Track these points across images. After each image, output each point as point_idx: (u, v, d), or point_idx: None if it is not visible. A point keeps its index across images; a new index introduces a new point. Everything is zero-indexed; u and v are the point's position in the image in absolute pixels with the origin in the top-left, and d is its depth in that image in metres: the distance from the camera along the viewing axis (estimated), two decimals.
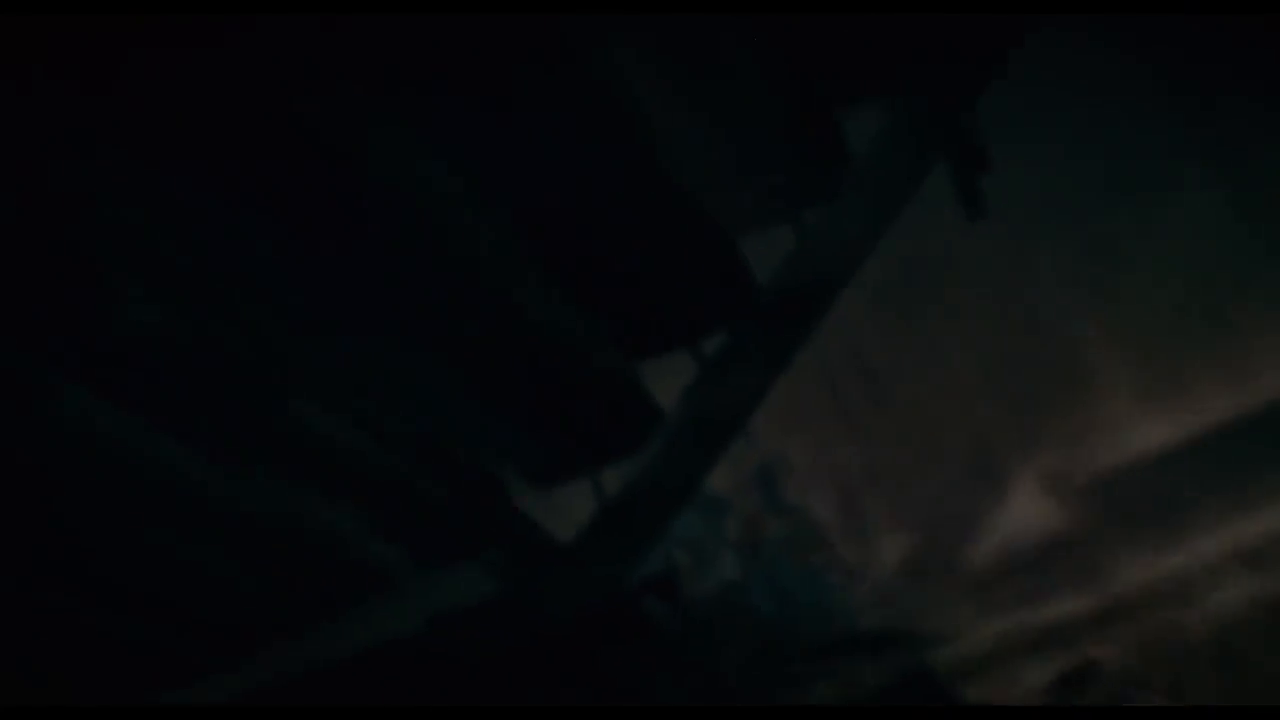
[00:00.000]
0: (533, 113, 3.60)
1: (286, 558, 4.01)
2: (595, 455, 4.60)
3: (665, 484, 4.29)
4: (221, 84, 3.03)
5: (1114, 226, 6.10)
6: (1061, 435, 6.48)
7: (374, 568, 4.16)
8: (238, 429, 3.44)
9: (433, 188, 3.39)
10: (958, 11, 4.59)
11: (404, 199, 3.41)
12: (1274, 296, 6.25)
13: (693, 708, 4.49)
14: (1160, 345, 6.41)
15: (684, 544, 6.38)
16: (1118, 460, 6.42)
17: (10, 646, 4.27)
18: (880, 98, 4.74)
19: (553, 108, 3.63)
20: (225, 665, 4.50)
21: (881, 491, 6.53)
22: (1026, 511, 6.43)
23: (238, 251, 3.16)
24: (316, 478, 3.76)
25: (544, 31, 3.51)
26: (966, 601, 6.29)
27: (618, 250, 4.21)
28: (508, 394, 4.16)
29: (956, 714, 5.50)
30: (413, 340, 3.76)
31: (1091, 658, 5.73)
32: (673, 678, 4.79)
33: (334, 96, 3.17)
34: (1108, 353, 6.44)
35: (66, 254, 2.85)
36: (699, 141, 4.46)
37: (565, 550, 4.22)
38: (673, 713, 4.49)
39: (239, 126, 3.10)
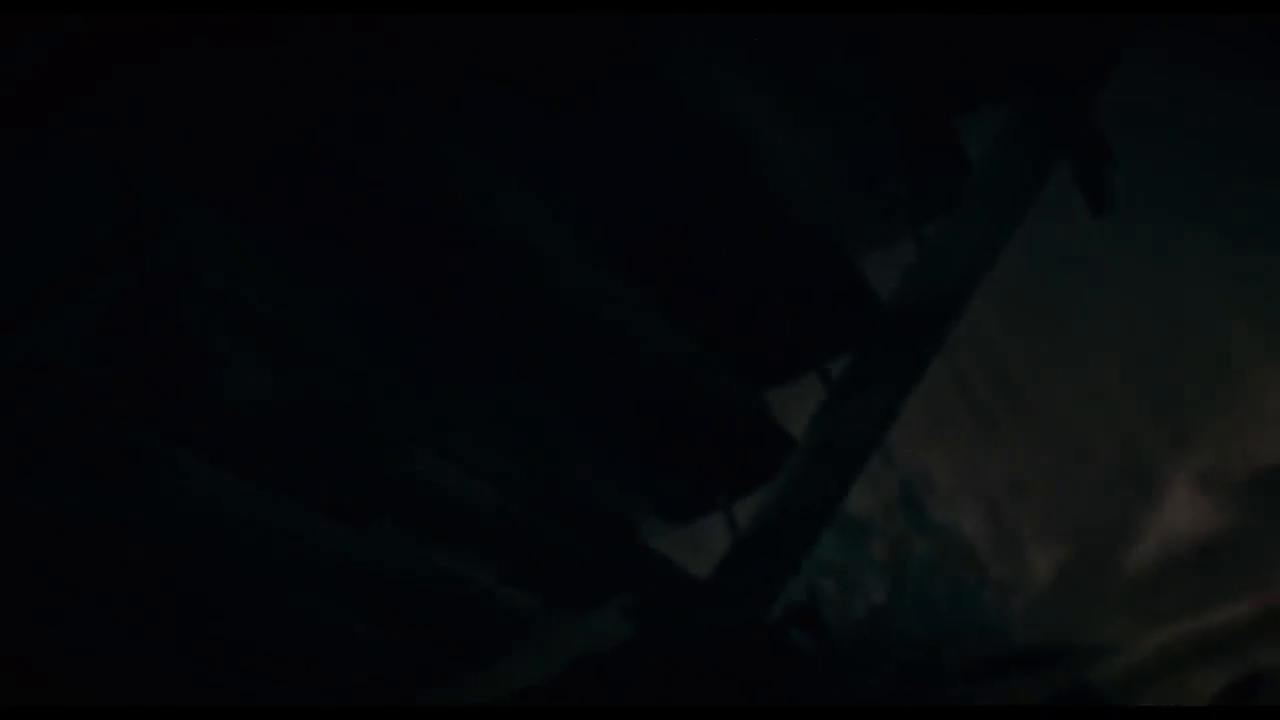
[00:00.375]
0: (631, 140, 3.54)
1: (421, 611, 3.98)
2: (726, 488, 4.51)
3: (799, 513, 4.18)
4: (314, 144, 3.01)
5: (1252, 212, 5.86)
6: (1215, 432, 6.24)
7: (509, 616, 4.11)
8: (359, 488, 3.41)
9: (533, 226, 3.33)
10: (1071, 5, 4.44)
11: (507, 240, 3.36)
12: None
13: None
14: None
15: (829, 569, 6.24)
16: (1277, 454, 6.16)
17: (158, 712, 4.29)
18: (996, 99, 4.60)
19: (652, 135, 3.56)
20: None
21: (1029, 502, 6.34)
22: (1183, 514, 6.19)
23: (345, 311, 3.13)
24: (443, 531, 3.71)
25: (641, 62, 3.45)
26: (1125, 611, 6.07)
27: (733, 277, 4.13)
28: (631, 432, 4.08)
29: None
30: (529, 386, 3.70)
31: (1261, 664, 5.49)
32: (819, 708, 4.67)
33: (426, 141, 3.13)
34: (1258, 342, 6.19)
35: (170, 326, 2.84)
36: (811, 158, 4.36)
37: (701, 587, 4.13)
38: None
39: (336, 187, 3.08)
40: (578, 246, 3.54)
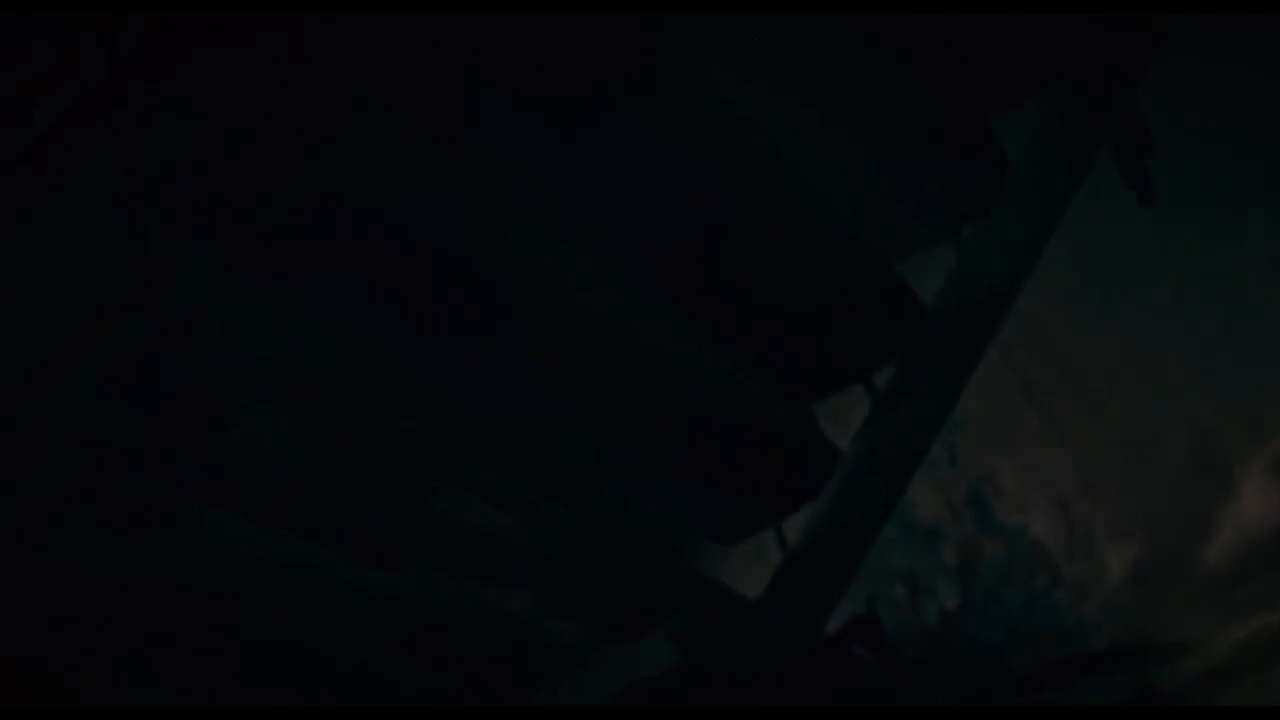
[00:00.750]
0: (647, 159, 3.48)
1: (464, 647, 3.93)
2: (774, 506, 4.43)
3: (848, 528, 4.10)
4: (319, 189, 2.98)
5: None
6: None
7: (554, 647, 4.06)
8: (389, 529, 3.38)
9: (552, 254, 3.28)
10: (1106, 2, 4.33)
11: (525, 270, 3.31)
12: None
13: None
14: None
15: (900, 577, 6.14)
16: None
17: None
18: (1032, 96, 4.50)
19: (669, 152, 3.50)
20: None
21: (1100, 500, 6.19)
22: (1260, 503, 6.02)
23: (362, 354, 3.09)
24: (479, 567, 3.66)
25: (651, 77, 3.39)
26: (1203, 607, 5.91)
27: (767, 291, 4.05)
28: (670, 456, 4.01)
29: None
30: (558, 417, 3.65)
31: None
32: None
33: (440, 178, 3.10)
34: None
35: (178, 380, 2.82)
36: (841, 165, 4.29)
37: (752, 608, 4.05)
38: None
39: (342, 233, 3.05)
40: (599, 271, 3.49)
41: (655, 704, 3.95)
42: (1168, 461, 6.21)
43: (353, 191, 3.04)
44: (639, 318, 3.65)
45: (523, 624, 3.92)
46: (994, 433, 6.40)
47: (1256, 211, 5.83)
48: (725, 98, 3.56)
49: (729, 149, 3.63)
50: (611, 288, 3.52)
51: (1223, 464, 6.14)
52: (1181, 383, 6.17)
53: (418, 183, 3.06)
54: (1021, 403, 6.38)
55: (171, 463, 2.88)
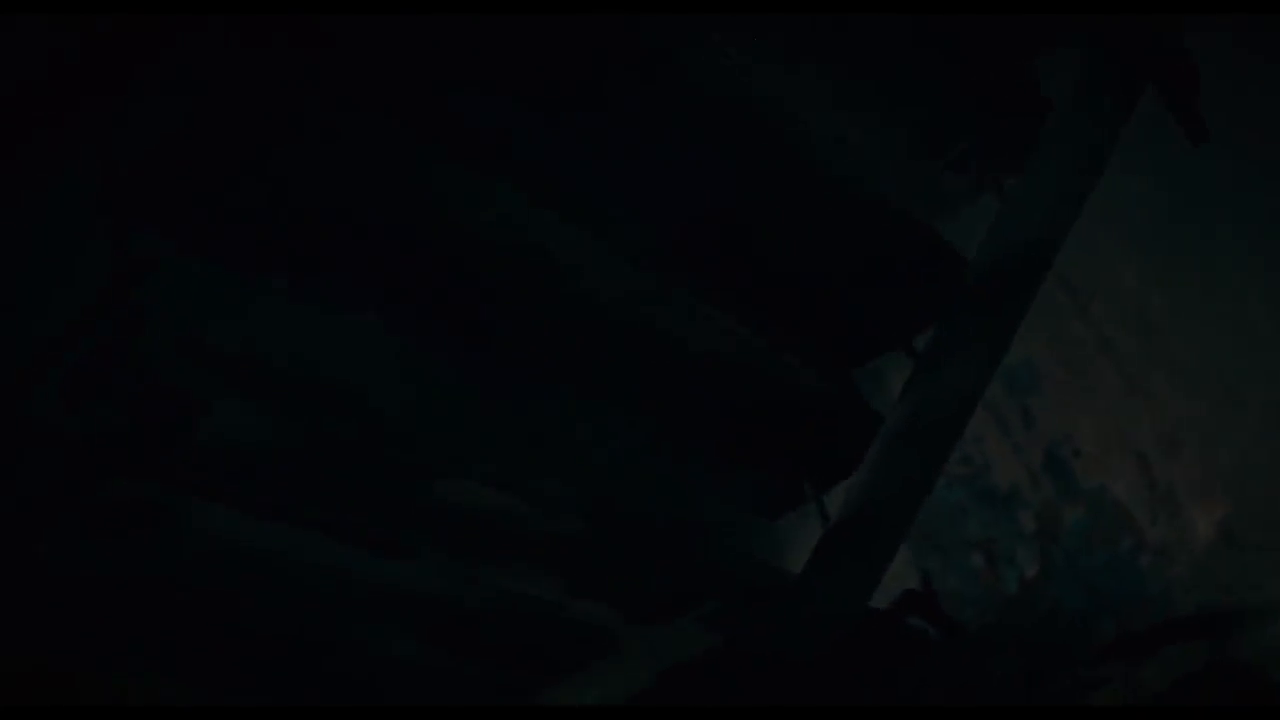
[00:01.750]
0: (650, 134, 3.33)
1: (489, 633, 3.83)
2: (815, 478, 4.27)
3: (890, 499, 3.93)
4: (292, 176, 2.87)
5: None
6: None
7: (584, 631, 3.94)
8: (387, 517, 3.28)
9: (545, 230, 3.15)
10: None
11: (520, 248, 3.18)
12: None
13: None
14: None
15: (976, 545, 5.93)
16: None
17: None
18: (1070, 36, 4.29)
19: (672, 125, 3.35)
20: None
21: (1184, 457, 5.94)
22: None
23: (338, 342, 2.99)
24: (497, 552, 3.55)
25: (652, 49, 3.25)
26: None
27: (798, 264, 3.89)
28: (698, 434, 3.87)
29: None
30: (577, 403, 3.52)
31: None
32: (942, 695, 4.40)
33: (420, 159, 2.98)
34: None
35: (153, 374, 2.73)
36: (869, 123, 4.11)
37: (791, 586, 3.90)
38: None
39: (311, 217, 2.94)
40: (611, 251, 3.34)
41: (690, 690, 3.81)
42: (1252, 413, 5.92)
43: (325, 182, 2.93)
44: (658, 297, 3.51)
45: (549, 608, 3.80)
46: (1070, 391, 6.15)
47: None
48: (735, 69, 3.40)
49: (739, 117, 3.47)
50: (625, 267, 3.38)
51: None
52: (1265, 330, 5.87)
53: (395, 170, 2.95)
54: (1098, 358, 6.12)
55: (145, 459, 2.80)
